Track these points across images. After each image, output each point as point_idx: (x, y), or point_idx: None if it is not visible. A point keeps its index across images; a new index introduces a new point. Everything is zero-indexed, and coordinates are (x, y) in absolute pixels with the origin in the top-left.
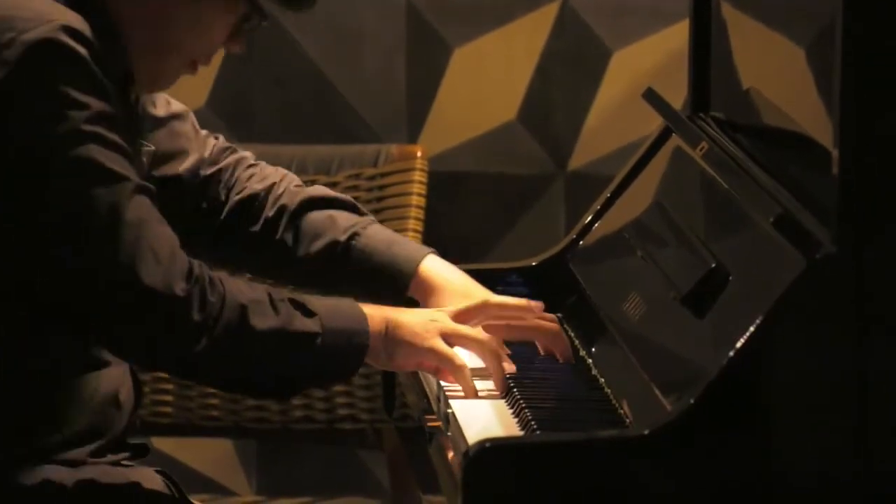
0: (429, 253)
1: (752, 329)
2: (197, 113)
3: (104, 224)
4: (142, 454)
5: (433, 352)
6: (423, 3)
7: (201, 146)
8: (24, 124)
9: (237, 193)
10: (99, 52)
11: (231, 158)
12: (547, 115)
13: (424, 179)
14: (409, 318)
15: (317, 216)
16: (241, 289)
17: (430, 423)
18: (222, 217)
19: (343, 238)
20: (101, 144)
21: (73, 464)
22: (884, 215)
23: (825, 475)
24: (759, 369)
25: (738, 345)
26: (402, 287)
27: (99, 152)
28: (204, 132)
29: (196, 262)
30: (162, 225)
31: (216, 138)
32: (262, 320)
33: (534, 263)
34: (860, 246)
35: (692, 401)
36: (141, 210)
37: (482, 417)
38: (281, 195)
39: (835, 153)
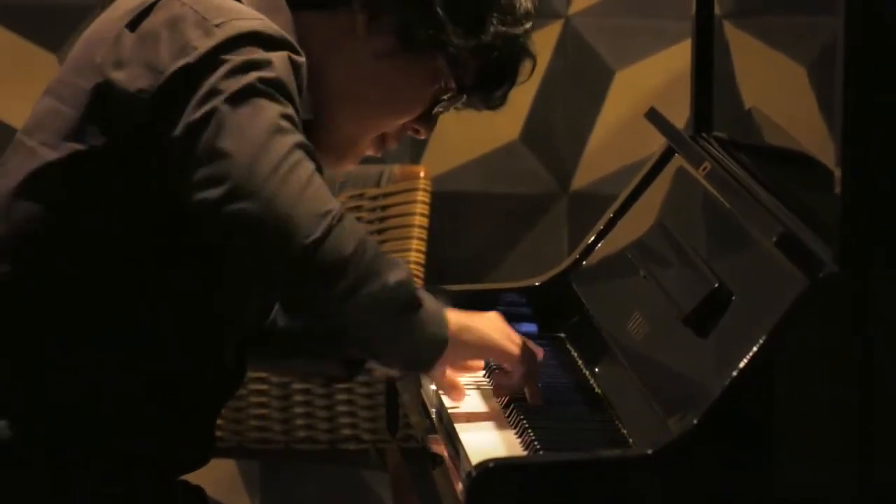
0: None
1: (754, 349)
2: None
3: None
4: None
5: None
6: None
7: None
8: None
9: None
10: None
11: None
12: (550, 135)
13: (427, 199)
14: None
15: None
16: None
17: (433, 444)
18: None
19: None
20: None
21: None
22: (886, 234)
23: (828, 495)
24: (761, 389)
25: (741, 364)
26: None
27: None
28: None
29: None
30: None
31: None
32: (392, 273)
33: (537, 283)
34: (862, 265)
35: (695, 421)
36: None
37: (485, 438)
38: None
39: (837, 172)
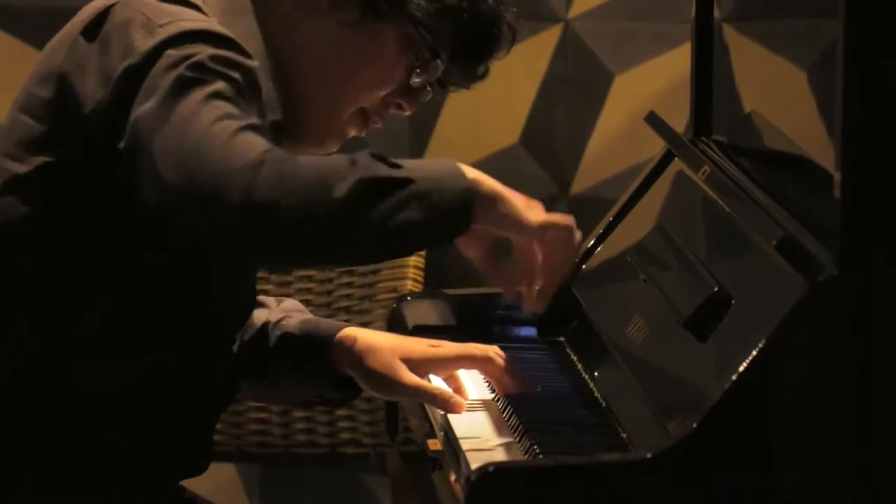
0: (351, 325)
1: (754, 352)
2: None
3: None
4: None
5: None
6: None
7: None
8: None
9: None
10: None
11: None
12: (549, 139)
13: None
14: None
15: (259, 312)
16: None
17: (432, 448)
18: None
19: (273, 319)
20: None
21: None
22: (886, 237)
23: (828, 499)
24: (761, 393)
25: (741, 368)
26: (323, 353)
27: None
28: None
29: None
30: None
31: None
32: (342, 179)
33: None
34: (862, 268)
35: (695, 425)
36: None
37: (485, 441)
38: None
39: (837, 176)
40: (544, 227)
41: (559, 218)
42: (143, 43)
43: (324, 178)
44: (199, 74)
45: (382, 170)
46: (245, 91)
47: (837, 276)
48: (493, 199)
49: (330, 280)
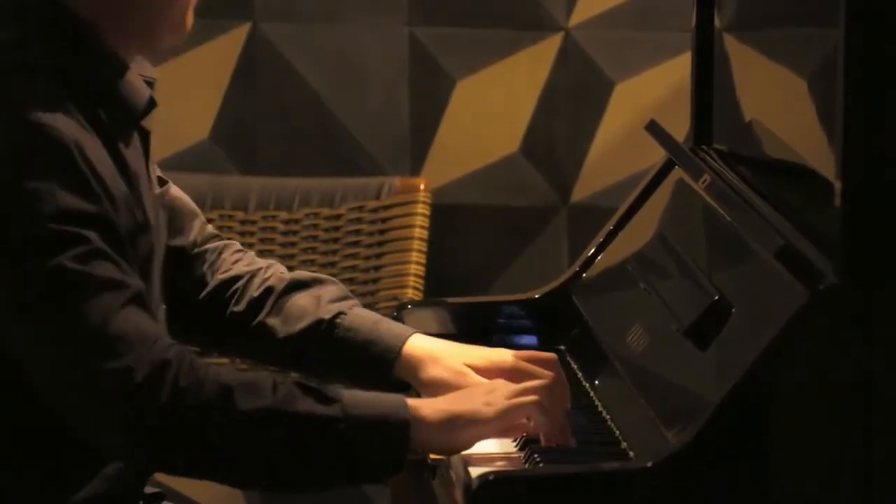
0: (415, 332)
1: (754, 361)
2: (200, 145)
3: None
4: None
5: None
6: (426, 35)
7: (193, 226)
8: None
9: (221, 273)
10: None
11: (219, 243)
12: (550, 148)
13: (427, 212)
14: (457, 395)
15: (302, 296)
16: (232, 374)
17: (433, 456)
18: (202, 297)
19: (327, 317)
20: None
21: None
22: (886, 246)
23: None
24: (761, 401)
25: (741, 377)
26: (388, 363)
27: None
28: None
29: (174, 350)
30: (134, 313)
31: (203, 222)
32: (250, 401)
33: (537, 296)
34: (863, 277)
35: (695, 433)
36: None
37: (485, 450)
38: (268, 278)
39: (837, 185)
40: (508, 413)
41: (524, 397)
42: None
43: (227, 396)
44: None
45: (302, 405)
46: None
47: (838, 285)
48: (434, 426)
49: None
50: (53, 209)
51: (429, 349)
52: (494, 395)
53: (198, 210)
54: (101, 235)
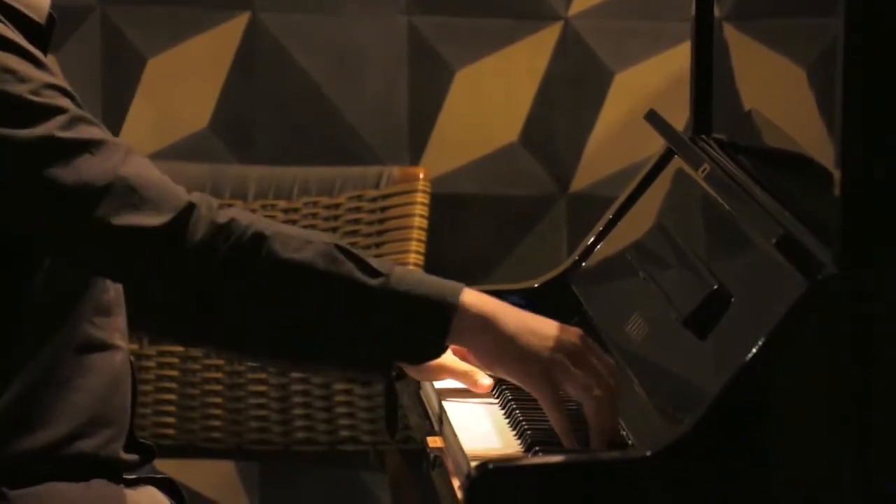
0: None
1: (753, 350)
2: (199, 135)
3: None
4: (149, 458)
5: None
6: (424, 25)
7: None
8: None
9: None
10: None
11: None
12: (549, 137)
13: (426, 201)
14: (529, 324)
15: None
16: (264, 221)
17: (432, 445)
18: None
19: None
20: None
21: (79, 463)
22: (886, 236)
23: (826, 496)
24: (760, 391)
25: (740, 366)
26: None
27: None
28: None
29: (195, 194)
30: (139, 163)
31: None
32: (285, 251)
33: (536, 285)
34: (862, 267)
35: (694, 422)
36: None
37: (484, 439)
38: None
39: (837, 174)
40: (555, 398)
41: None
42: None
43: (264, 243)
44: None
45: (345, 268)
46: None
47: (837, 274)
48: (479, 329)
49: None
50: (23, 83)
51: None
52: (562, 365)
53: None
54: (72, 102)
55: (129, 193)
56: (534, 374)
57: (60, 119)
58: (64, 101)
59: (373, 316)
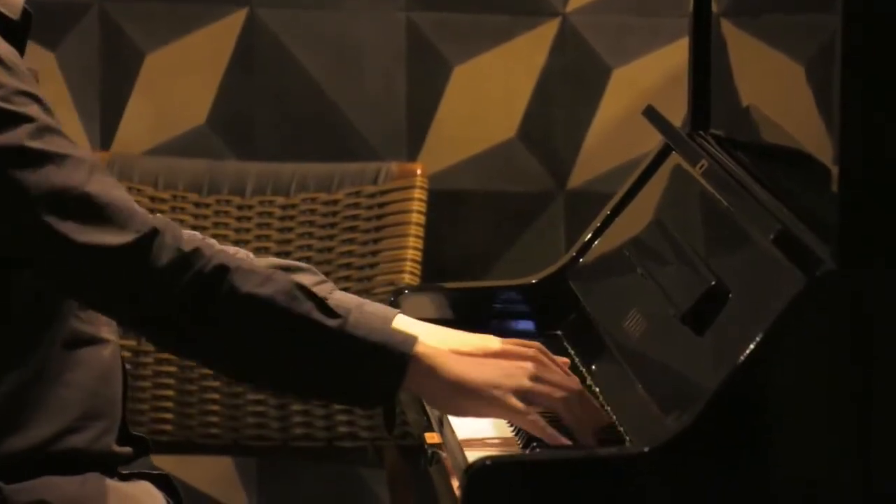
0: (398, 313)
1: (751, 346)
2: (197, 130)
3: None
4: (143, 450)
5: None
6: (423, 20)
7: None
8: None
9: None
10: None
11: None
12: (547, 133)
13: (424, 197)
14: (474, 361)
15: None
16: (226, 255)
17: (430, 441)
18: None
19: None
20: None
21: (73, 458)
22: (884, 232)
23: (825, 493)
24: (758, 387)
25: (738, 362)
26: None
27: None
28: None
29: (158, 219)
30: (104, 182)
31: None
32: (247, 285)
33: (534, 281)
34: (861, 263)
35: (692, 419)
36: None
37: (482, 435)
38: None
39: (835, 170)
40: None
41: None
42: None
43: (225, 275)
44: None
45: (304, 306)
46: None
47: (835, 271)
48: (437, 378)
49: (326, 273)
50: None
51: (411, 332)
52: (512, 381)
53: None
54: (42, 110)
55: (94, 210)
56: (494, 404)
57: (28, 128)
58: (33, 109)
59: (327, 357)
